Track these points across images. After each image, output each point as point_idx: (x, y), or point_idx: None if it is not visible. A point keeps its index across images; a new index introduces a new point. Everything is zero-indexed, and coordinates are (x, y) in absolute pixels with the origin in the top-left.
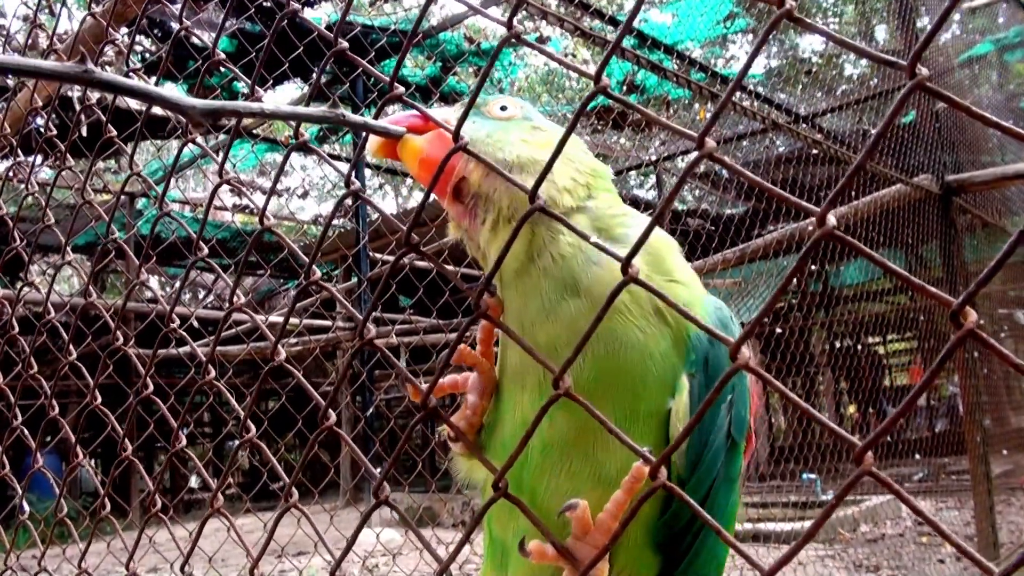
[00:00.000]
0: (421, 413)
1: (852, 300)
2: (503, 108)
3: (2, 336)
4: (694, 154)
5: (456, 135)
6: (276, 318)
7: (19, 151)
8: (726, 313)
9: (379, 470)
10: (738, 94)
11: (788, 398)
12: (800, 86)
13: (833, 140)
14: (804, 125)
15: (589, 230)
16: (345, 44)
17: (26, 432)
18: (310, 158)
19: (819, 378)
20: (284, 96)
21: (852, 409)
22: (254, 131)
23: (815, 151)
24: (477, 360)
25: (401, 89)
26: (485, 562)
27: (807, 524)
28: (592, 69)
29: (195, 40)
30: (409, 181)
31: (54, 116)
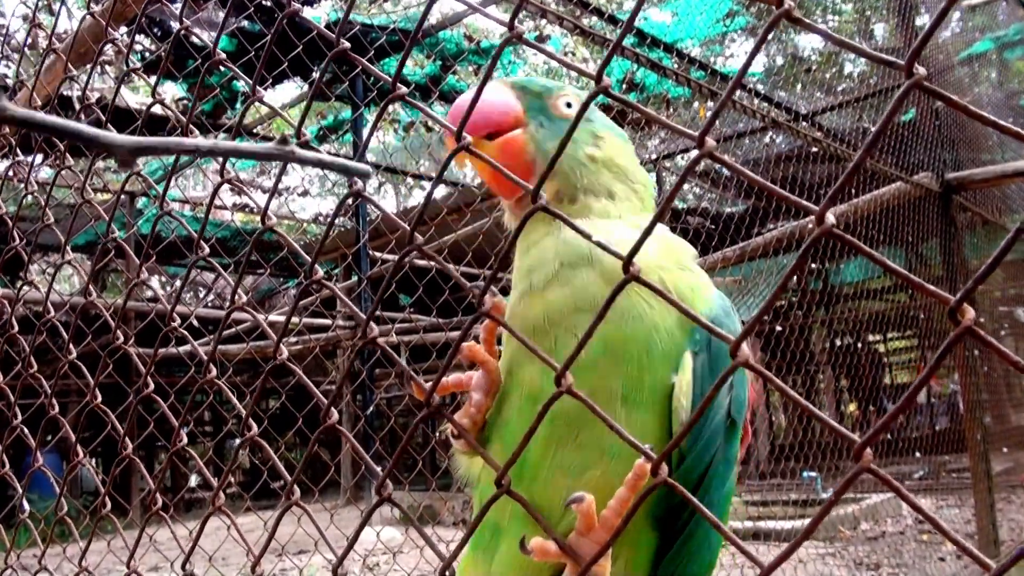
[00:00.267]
0: (424, 411)
1: (852, 298)
2: (568, 105)
3: (2, 335)
4: (694, 153)
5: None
6: (276, 317)
7: (19, 150)
8: (728, 303)
9: (380, 468)
10: (738, 92)
11: (788, 395)
12: (800, 84)
13: (833, 138)
14: (804, 123)
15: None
16: (347, 44)
17: (26, 431)
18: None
19: (819, 376)
20: (284, 95)
21: (852, 407)
22: (254, 130)
23: (815, 149)
24: (485, 358)
25: (404, 89)
26: (469, 542)
27: (807, 522)
28: (591, 68)
29: (195, 39)
30: (409, 180)
31: (53, 116)
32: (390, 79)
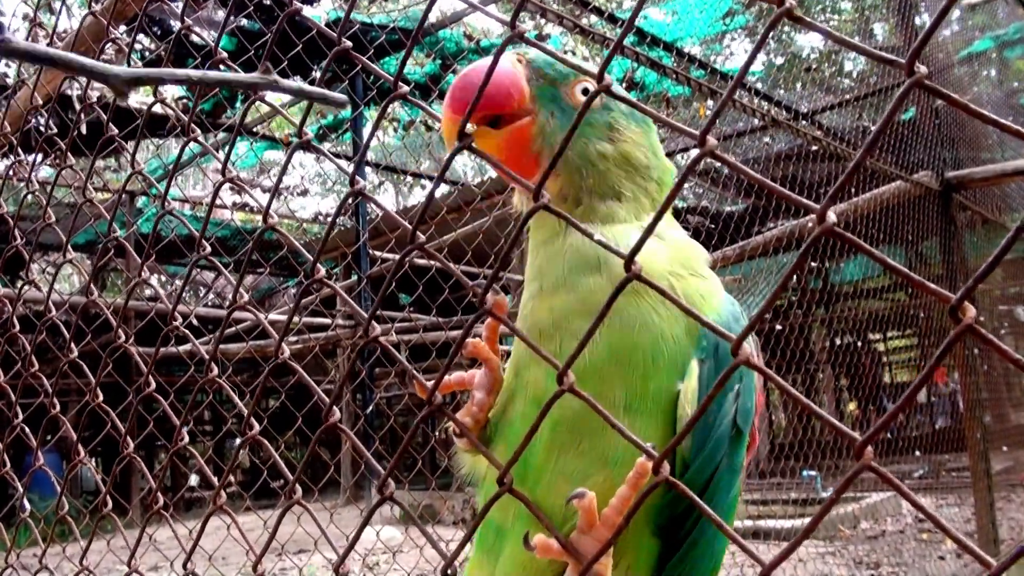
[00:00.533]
0: (426, 409)
1: (852, 297)
2: (585, 92)
3: (3, 335)
4: (695, 151)
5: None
6: (276, 316)
7: (19, 150)
8: (737, 309)
9: (380, 468)
10: (738, 91)
11: (789, 393)
12: (800, 83)
13: (833, 137)
14: (804, 122)
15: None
16: (348, 44)
17: (27, 430)
18: (308, 156)
19: (819, 375)
20: (283, 94)
21: (852, 406)
22: (254, 129)
23: (815, 148)
24: (488, 355)
25: (406, 88)
26: (475, 544)
27: (807, 521)
28: (591, 67)
29: (195, 38)
30: (409, 179)
31: (54, 115)
32: (391, 78)
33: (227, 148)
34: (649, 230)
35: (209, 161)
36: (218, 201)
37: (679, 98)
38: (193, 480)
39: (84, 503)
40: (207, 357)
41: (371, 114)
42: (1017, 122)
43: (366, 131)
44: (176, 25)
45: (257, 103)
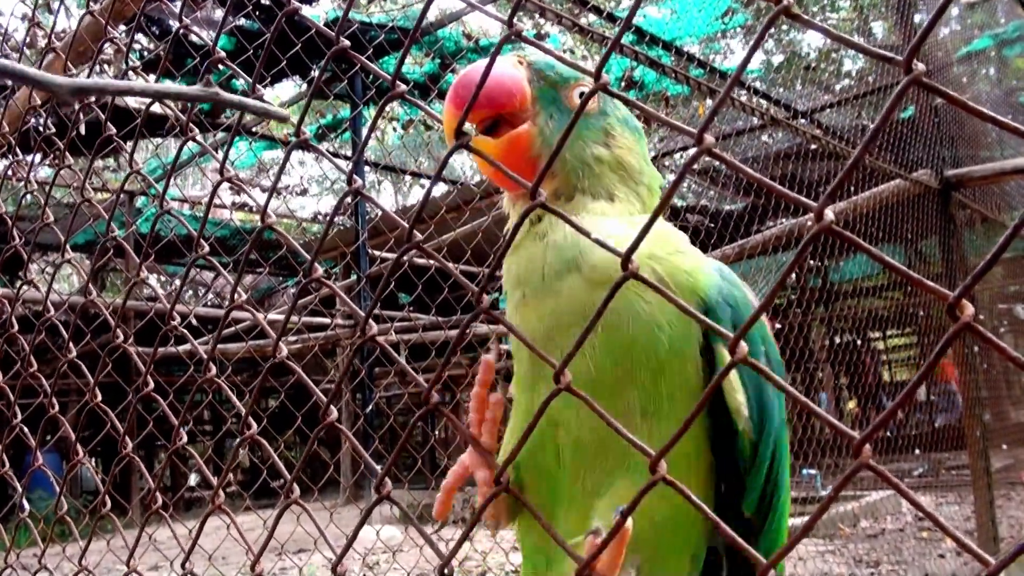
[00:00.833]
0: (423, 409)
1: (851, 295)
2: (582, 95)
3: (2, 335)
4: (693, 150)
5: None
6: (275, 316)
7: (18, 149)
8: (728, 272)
9: (380, 467)
10: (736, 90)
11: (788, 392)
12: (800, 82)
13: (832, 135)
14: (803, 121)
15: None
16: (347, 43)
17: (26, 430)
18: (308, 155)
19: (819, 373)
20: (283, 93)
21: (852, 404)
22: (252, 129)
23: (814, 147)
24: (480, 440)
25: (404, 87)
26: (525, 567)
27: (807, 519)
28: (589, 65)
29: (193, 38)
30: (408, 179)
31: (52, 114)
32: (389, 77)
33: (226, 148)
34: (646, 229)
35: (208, 161)
36: (217, 201)
37: (678, 97)
38: (192, 480)
39: (83, 503)
40: (206, 357)
41: (370, 113)
42: (1016, 120)
43: (365, 130)
44: (175, 25)
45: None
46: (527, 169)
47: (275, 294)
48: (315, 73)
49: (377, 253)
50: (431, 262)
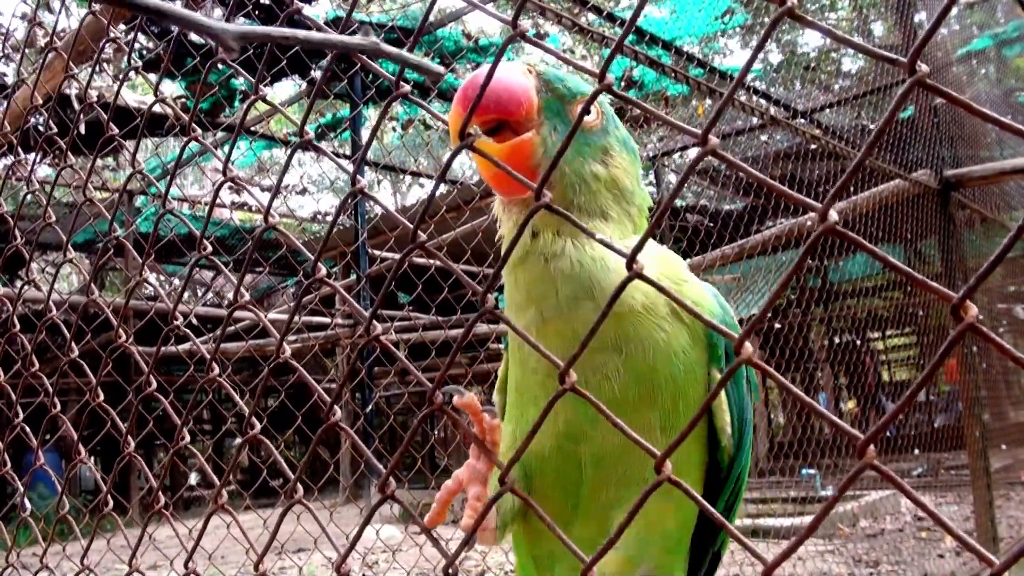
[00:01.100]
0: (426, 410)
1: (851, 295)
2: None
3: (3, 334)
4: (695, 150)
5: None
6: (276, 315)
7: (19, 149)
8: (724, 302)
9: (380, 466)
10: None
11: (791, 392)
12: (799, 82)
13: (832, 135)
14: (802, 120)
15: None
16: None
17: (27, 430)
18: (308, 155)
19: (818, 373)
20: (282, 92)
21: (851, 404)
22: (252, 128)
23: (813, 146)
24: (486, 447)
25: (407, 87)
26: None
27: (806, 519)
28: (589, 65)
29: (193, 37)
30: (408, 179)
31: (53, 114)
32: (391, 77)
33: (228, 147)
34: (647, 234)
35: (207, 160)
36: (217, 200)
37: (677, 96)
38: (193, 479)
39: (84, 502)
40: (207, 356)
41: (370, 113)
42: (1016, 120)
43: (365, 130)
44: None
45: (256, 102)
46: (526, 177)
47: (274, 293)
48: (315, 73)
49: (377, 253)
50: (431, 261)
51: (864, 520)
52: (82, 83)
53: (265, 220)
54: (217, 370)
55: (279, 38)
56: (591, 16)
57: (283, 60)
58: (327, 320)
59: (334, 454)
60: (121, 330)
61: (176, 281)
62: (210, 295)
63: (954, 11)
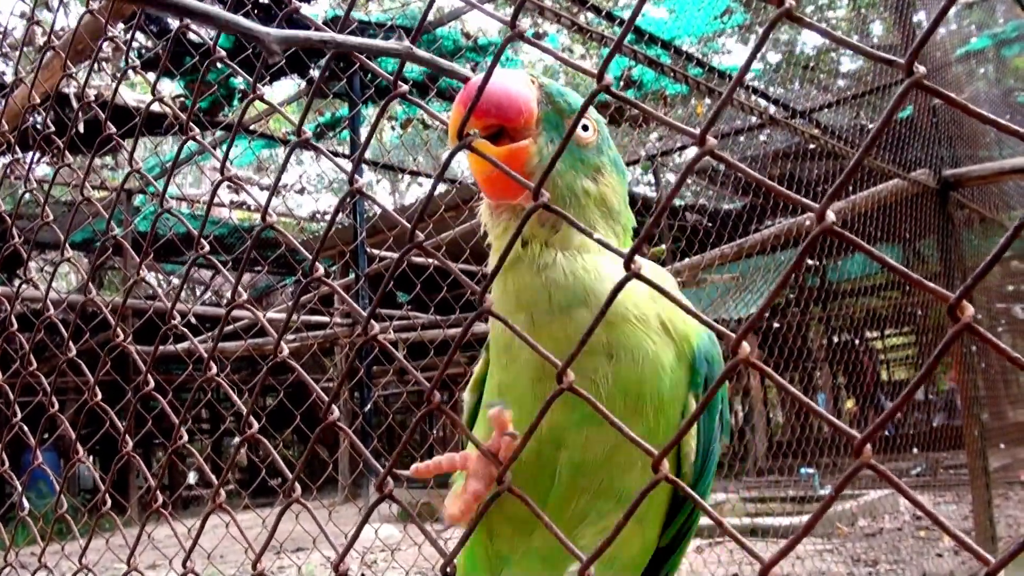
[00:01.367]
0: (424, 409)
1: (849, 295)
2: (585, 129)
3: (1, 333)
4: (693, 150)
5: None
6: (275, 314)
7: (17, 148)
8: (713, 337)
9: (379, 465)
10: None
11: (789, 392)
12: (798, 81)
13: (830, 135)
14: (801, 120)
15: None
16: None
17: (25, 429)
18: (307, 154)
19: (817, 373)
20: (281, 92)
21: (850, 404)
22: (250, 127)
23: (812, 146)
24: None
25: (405, 87)
26: (467, 564)
27: (805, 519)
28: (588, 65)
29: (192, 36)
30: (406, 178)
31: (51, 113)
32: (390, 76)
33: (226, 146)
34: (644, 238)
35: (206, 159)
36: (215, 199)
37: (676, 96)
38: (191, 478)
39: (82, 501)
40: (206, 355)
41: (368, 112)
42: (1014, 120)
43: (364, 129)
44: (174, 23)
45: (254, 101)
46: (515, 185)
47: (273, 292)
48: (313, 72)
49: (376, 252)
50: (429, 261)
51: (863, 519)
52: (80, 82)
53: (263, 219)
54: (215, 369)
55: (318, 43)
56: (590, 15)
57: (282, 59)
58: (325, 319)
59: (333, 453)
60: (119, 329)
61: (174, 280)
62: (208, 294)
63: (953, 11)
